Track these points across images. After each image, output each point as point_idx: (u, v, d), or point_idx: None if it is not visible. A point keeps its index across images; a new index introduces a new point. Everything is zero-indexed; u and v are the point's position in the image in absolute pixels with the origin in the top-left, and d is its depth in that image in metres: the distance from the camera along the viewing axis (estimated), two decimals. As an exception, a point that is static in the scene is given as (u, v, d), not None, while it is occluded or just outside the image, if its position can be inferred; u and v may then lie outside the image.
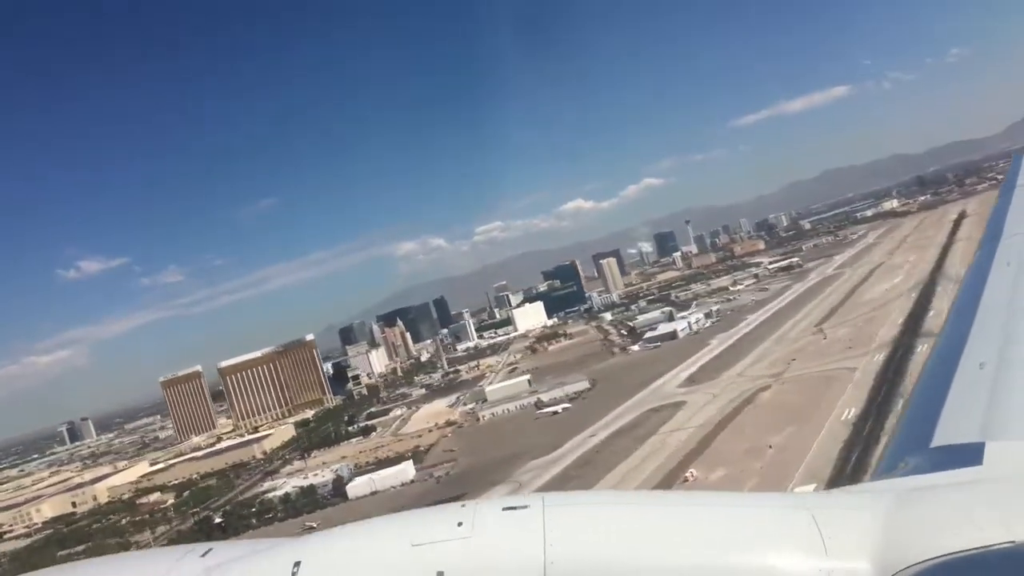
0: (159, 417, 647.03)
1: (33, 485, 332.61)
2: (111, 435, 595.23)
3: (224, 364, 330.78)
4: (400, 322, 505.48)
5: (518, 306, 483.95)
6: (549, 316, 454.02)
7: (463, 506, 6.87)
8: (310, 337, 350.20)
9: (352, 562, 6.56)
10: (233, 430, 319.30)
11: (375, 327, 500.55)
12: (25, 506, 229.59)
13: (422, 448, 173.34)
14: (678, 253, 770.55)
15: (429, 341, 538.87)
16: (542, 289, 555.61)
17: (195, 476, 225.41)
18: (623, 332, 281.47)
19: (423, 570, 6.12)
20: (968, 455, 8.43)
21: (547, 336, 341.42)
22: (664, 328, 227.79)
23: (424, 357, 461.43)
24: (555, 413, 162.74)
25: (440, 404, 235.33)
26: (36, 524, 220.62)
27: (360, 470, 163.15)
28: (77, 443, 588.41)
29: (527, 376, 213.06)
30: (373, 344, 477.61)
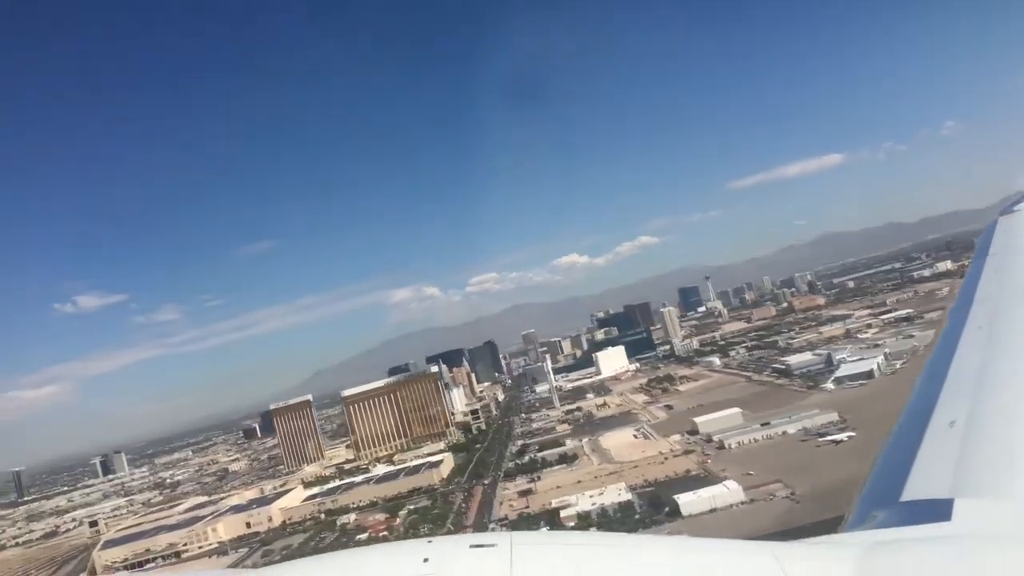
0: (191, 452, 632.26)
1: (139, 514, 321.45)
2: (142, 469, 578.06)
3: (347, 393, 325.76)
4: (466, 363, 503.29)
5: (595, 350, 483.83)
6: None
7: (430, 542, 7.11)
8: (434, 369, 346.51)
9: None
10: (354, 460, 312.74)
11: (443, 367, 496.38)
12: (198, 526, 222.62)
13: (678, 474, 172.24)
14: (702, 308, 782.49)
15: (488, 383, 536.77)
16: (600, 337, 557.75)
17: (376, 499, 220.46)
18: (768, 374, 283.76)
19: None
20: (937, 511, 8.94)
21: (663, 379, 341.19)
22: (855, 368, 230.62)
23: (500, 396, 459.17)
24: (837, 442, 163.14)
25: (622, 435, 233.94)
26: (212, 543, 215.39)
27: (634, 490, 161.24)
28: (111, 476, 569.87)
29: (736, 409, 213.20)
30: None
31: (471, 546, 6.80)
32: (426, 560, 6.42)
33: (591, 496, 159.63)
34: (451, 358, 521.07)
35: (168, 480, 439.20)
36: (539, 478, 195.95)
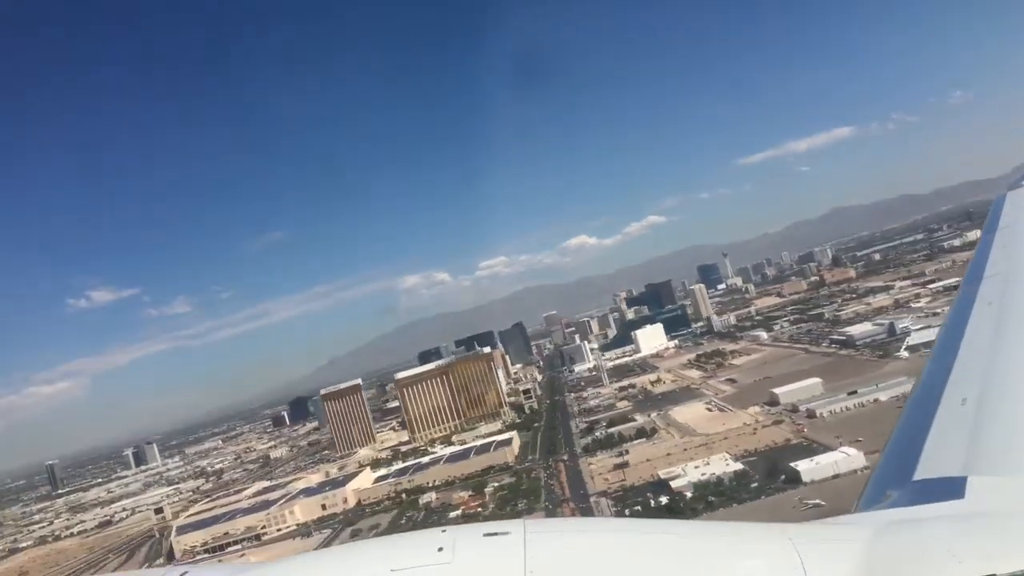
0: (220, 441, 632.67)
1: (195, 501, 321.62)
2: (174, 459, 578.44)
3: (400, 376, 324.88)
4: (500, 345, 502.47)
5: (627, 329, 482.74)
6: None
7: (444, 531, 7.03)
8: (487, 349, 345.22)
9: None
10: (408, 441, 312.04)
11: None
12: (273, 509, 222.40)
13: (777, 443, 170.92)
14: (722, 285, 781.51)
15: (521, 365, 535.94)
16: (631, 316, 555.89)
17: (451, 479, 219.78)
18: (827, 345, 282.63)
19: None
20: (950, 489, 8.89)
21: (713, 354, 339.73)
22: (926, 336, 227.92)
23: (538, 377, 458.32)
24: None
25: (693, 409, 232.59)
26: (291, 525, 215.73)
27: (738, 460, 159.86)
28: (143, 467, 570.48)
29: (816, 379, 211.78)
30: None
31: (485, 534, 6.85)
32: (440, 549, 6.54)
33: (697, 467, 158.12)
34: (483, 340, 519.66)
35: (209, 468, 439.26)
36: (627, 452, 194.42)
